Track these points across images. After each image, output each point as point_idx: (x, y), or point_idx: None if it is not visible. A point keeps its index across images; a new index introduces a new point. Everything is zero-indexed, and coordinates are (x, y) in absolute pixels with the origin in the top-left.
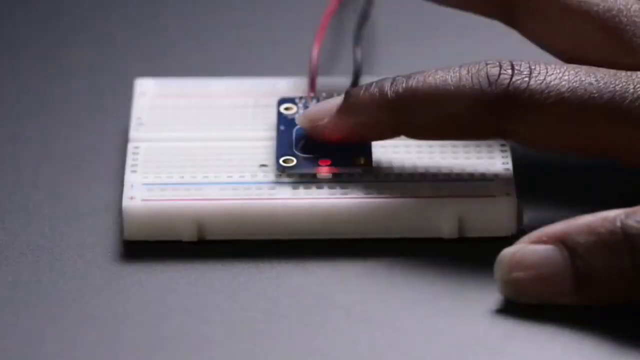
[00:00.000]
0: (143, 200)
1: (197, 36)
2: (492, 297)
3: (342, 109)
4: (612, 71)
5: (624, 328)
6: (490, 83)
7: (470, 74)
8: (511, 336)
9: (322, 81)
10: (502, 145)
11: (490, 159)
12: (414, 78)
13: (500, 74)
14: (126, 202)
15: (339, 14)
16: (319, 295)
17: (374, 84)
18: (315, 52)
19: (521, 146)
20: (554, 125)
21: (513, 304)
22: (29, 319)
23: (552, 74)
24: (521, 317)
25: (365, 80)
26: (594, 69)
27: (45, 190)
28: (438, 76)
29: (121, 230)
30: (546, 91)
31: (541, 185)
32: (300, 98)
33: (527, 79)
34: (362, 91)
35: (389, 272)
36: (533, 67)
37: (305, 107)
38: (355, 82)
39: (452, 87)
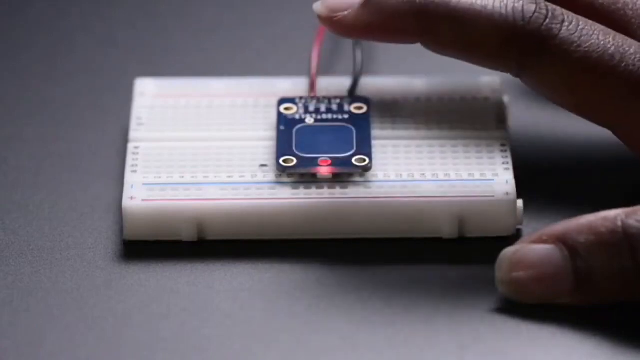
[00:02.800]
0: (143, 200)
1: (197, 36)
2: (492, 297)
3: (367, 5)
4: (639, 44)
5: (624, 328)
6: (524, 18)
7: (505, 3)
8: (511, 336)
9: (322, 81)
10: (502, 145)
11: (490, 159)
12: None
13: (535, 11)
14: (126, 202)
15: None
16: (318, 295)
17: None
18: (315, 52)
19: (521, 146)
20: (573, 79)
21: (513, 304)
22: (29, 319)
23: (584, 28)
24: (521, 317)
25: (365, 79)
26: (623, 36)
27: (45, 190)
28: None
29: (121, 230)
30: (576, 44)
31: (541, 185)
32: (300, 98)
33: (559, 25)
34: None
35: (389, 272)
36: (567, 16)
37: (305, 107)
38: (355, 82)
39: (485, 11)
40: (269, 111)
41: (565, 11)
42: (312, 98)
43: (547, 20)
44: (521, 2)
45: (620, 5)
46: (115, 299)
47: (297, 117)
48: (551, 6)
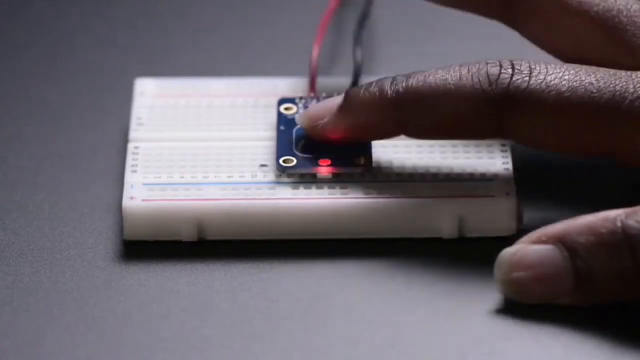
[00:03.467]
0: (143, 200)
1: (197, 36)
2: (492, 297)
3: (342, 109)
4: (612, 71)
5: (624, 328)
6: (490, 82)
7: (470, 73)
8: (511, 336)
9: (322, 81)
10: (502, 145)
11: (490, 159)
12: (414, 77)
13: (500, 73)
14: (126, 202)
15: (339, 13)
16: (319, 295)
17: (374, 83)
18: (315, 52)
19: (521, 146)
20: (554, 124)
21: (513, 304)
22: (29, 319)
23: (552, 73)
24: (521, 317)
25: (365, 80)
26: (593, 68)
27: (45, 190)
28: (438, 75)
29: (121, 230)
30: (546, 91)
31: (541, 185)
32: (300, 98)
33: (527, 78)
34: (362, 91)
35: (389, 272)
36: (533, 67)
37: (305, 107)
38: (355, 82)
39: (453, 87)
40: (269, 111)
41: (533, 61)
42: (312, 98)
43: (514, 77)
44: (485, 68)
45: (614, 13)
46: (115, 299)
47: (297, 117)
48: (517, 62)
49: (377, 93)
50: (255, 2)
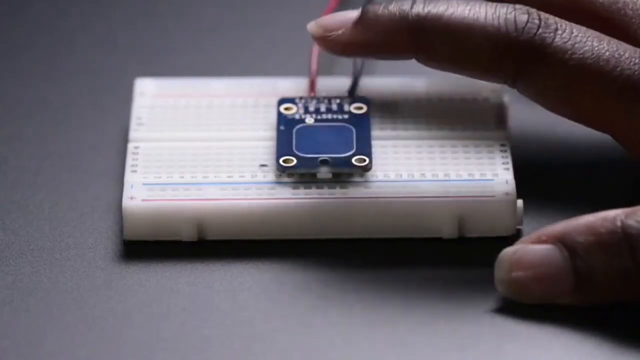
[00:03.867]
0: (143, 200)
1: (197, 36)
2: (492, 297)
3: (359, 24)
4: (634, 48)
5: (624, 328)
6: (517, 28)
7: (498, 14)
8: (511, 336)
9: (322, 81)
10: (502, 145)
11: (490, 159)
12: (436, 5)
13: (528, 21)
14: (126, 202)
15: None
16: (319, 295)
17: (394, 2)
18: (315, 52)
19: (521, 146)
20: (568, 87)
21: (513, 304)
22: (29, 319)
23: (578, 35)
24: (521, 317)
25: (365, 79)
26: (617, 41)
27: (45, 190)
28: (463, 8)
29: (121, 230)
30: (570, 52)
31: (541, 185)
32: (300, 98)
33: (552, 34)
34: (381, 8)
35: (389, 272)
36: (559, 24)
37: (305, 107)
38: (355, 82)
39: (477, 24)
40: (269, 111)
41: (558, 19)
42: (312, 98)
43: (540, 30)
44: (513, 13)
45: (620, 5)
46: (115, 299)
47: (297, 117)
48: (544, 15)
49: (397, 13)
50: (255, 2)
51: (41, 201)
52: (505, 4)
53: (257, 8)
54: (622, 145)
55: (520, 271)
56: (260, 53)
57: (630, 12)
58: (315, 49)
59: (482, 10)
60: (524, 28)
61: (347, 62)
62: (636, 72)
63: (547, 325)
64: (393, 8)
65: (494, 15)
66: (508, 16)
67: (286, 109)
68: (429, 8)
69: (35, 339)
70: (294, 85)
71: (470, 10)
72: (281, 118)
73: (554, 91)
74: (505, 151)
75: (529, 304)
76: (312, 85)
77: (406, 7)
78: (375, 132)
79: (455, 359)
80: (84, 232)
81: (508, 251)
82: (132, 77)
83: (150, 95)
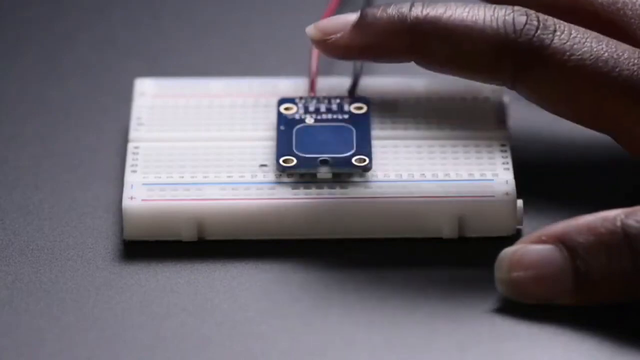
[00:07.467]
0: (143, 200)
1: (197, 36)
2: (492, 297)
3: (357, 27)
4: (633, 48)
5: (624, 328)
6: (515, 30)
7: (496, 16)
8: (511, 336)
9: (322, 81)
10: (502, 145)
11: (490, 159)
12: (434, 7)
13: (526, 23)
14: (126, 202)
15: (339, 13)
16: (319, 295)
17: (392, 5)
18: (315, 52)
19: (521, 146)
20: (567, 89)
21: (513, 304)
22: (29, 319)
23: (576, 37)
24: (521, 317)
25: (365, 79)
26: (616, 41)
27: (45, 190)
28: (461, 10)
29: (121, 230)
30: (569, 52)
31: (541, 185)
32: (300, 98)
33: (551, 35)
34: (379, 11)
35: (389, 272)
36: (558, 25)
37: (305, 107)
38: (355, 83)
39: (475, 26)
40: (269, 111)
41: (557, 20)
42: (312, 98)
43: (539, 31)
44: (512, 15)
45: (619, 6)
46: (115, 299)
47: (297, 117)
48: (542, 16)
49: (395, 16)
50: (255, 2)
51: (41, 201)
52: (504, 6)
53: (257, 8)
54: (622, 146)
55: (520, 271)
56: (260, 53)
57: (630, 13)
58: (315, 49)
59: (481, 13)
60: (522, 30)
61: (347, 62)
62: (635, 73)
63: (547, 325)
64: (392, 11)
65: (493, 17)
66: (506, 18)
67: (286, 109)
68: (428, 11)
69: (35, 339)
70: (294, 85)
71: (468, 12)
72: (281, 118)
73: (553, 92)
74: (505, 151)
75: (529, 304)
76: (312, 85)
77: (405, 10)
78: (375, 132)
79: (455, 359)
80: (84, 232)
81: (508, 251)
82: (132, 77)
83: (150, 95)
